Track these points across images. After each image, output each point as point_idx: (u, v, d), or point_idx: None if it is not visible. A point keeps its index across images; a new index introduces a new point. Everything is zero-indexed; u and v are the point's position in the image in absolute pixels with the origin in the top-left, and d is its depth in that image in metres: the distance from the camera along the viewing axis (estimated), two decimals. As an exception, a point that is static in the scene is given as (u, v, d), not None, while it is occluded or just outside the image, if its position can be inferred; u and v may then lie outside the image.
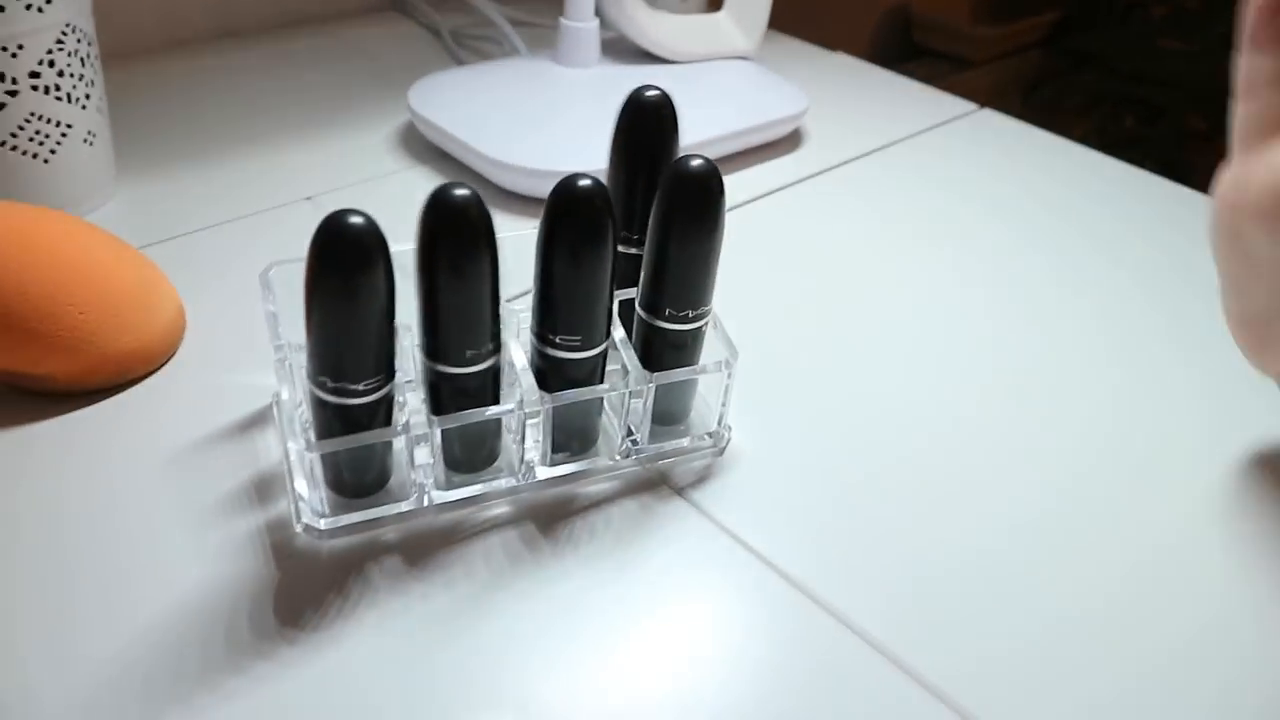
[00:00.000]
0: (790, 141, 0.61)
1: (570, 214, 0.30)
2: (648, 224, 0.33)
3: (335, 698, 0.28)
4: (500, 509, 0.34)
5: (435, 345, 0.31)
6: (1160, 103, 1.37)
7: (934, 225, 0.54)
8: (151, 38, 0.67)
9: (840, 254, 0.51)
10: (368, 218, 0.27)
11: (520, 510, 0.34)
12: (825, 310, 0.47)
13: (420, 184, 0.54)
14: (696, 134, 0.55)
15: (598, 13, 0.59)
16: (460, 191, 0.28)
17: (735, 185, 0.56)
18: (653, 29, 0.61)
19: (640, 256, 0.36)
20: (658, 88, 0.35)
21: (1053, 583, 0.33)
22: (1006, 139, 0.65)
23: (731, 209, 0.54)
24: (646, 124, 0.35)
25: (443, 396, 0.32)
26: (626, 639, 0.30)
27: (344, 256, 0.27)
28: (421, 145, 0.57)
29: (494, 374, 0.32)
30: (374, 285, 0.28)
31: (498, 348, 0.32)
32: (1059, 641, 0.31)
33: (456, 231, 0.29)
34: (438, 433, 0.32)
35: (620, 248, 0.36)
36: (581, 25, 0.59)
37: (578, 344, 0.32)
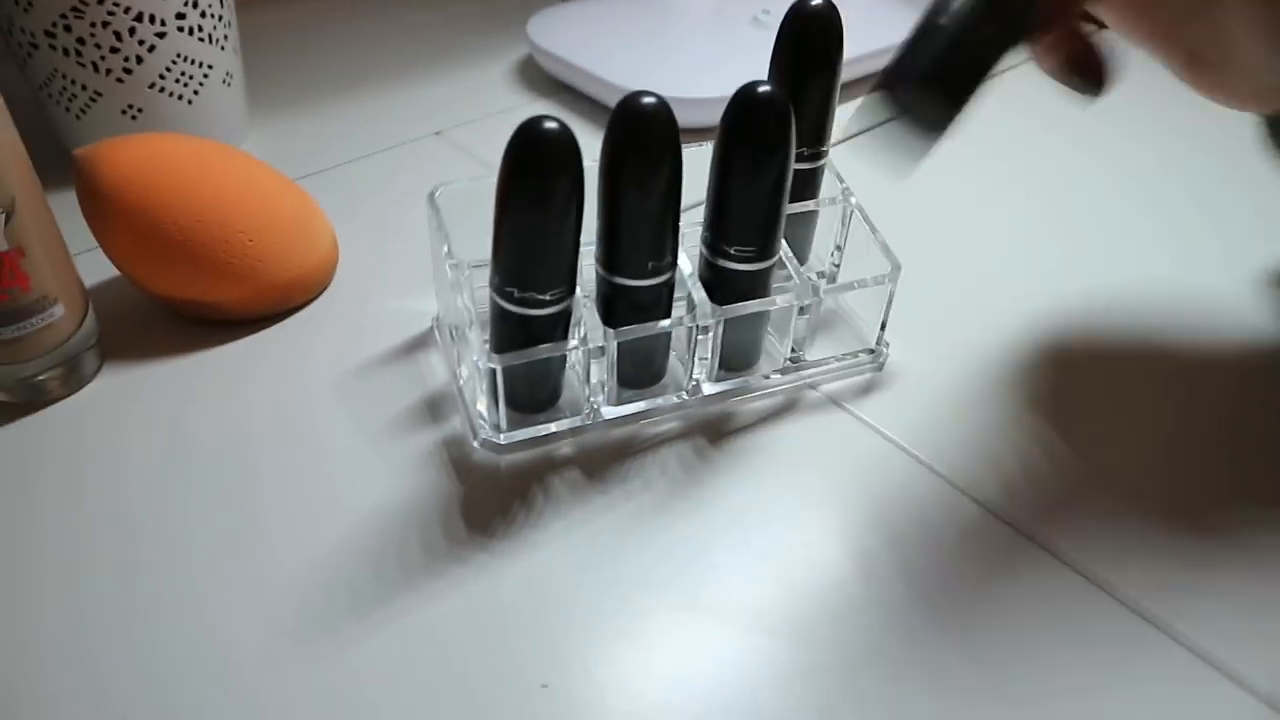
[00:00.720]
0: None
1: (751, 118, 0.29)
2: (818, 138, 0.33)
3: (527, 600, 0.28)
4: (669, 424, 0.35)
5: (616, 258, 0.31)
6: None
7: (1079, 134, 0.53)
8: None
9: (980, 164, 0.50)
10: (563, 124, 0.27)
11: (689, 425, 0.35)
12: (966, 222, 0.46)
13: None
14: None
15: (713, -62, 0.58)
16: (648, 100, 0.28)
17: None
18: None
19: (814, 170, 0.36)
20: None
21: (1224, 494, 0.32)
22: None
23: (861, 133, 0.53)
24: (811, 34, 0.34)
25: (618, 311, 0.32)
26: (793, 547, 0.30)
27: (542, 160, 0.27)
28: (541, 79, 0.57)
29: (669, 288, 0.32)
30: (570, 190, 0.28)
31: (674, 262, 0.32)
32: (1235, 547, 0.30)
33: (643, 142, 0.28)
34: (614, 346, 0.32)
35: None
36: (697, -47, 0.58)
37: (752, 254, 0.32)
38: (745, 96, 0.29)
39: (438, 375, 0.36)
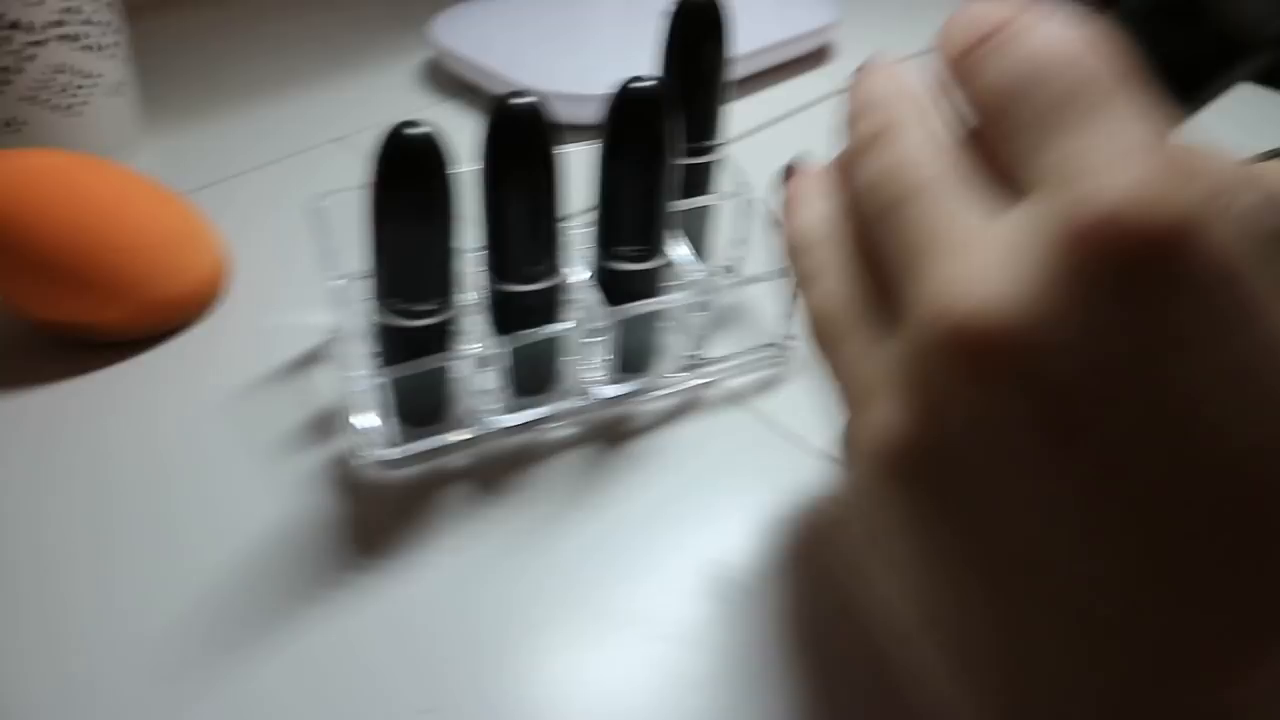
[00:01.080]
0: (820, 56, 0.60)
1: (631, 115, 0.29)
2: (709, 132, 0.32)
3: (420, 620, 0.28)
4: (567, 430, 0.34)
5: (501, 263, 0.30)
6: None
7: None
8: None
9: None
10: (429, 130, 0.26)
11: (588, 430, 0.34)
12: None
13: (449, 120, 0.53)
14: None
15: (618, -70, 0.58)
16: (521, 100, 0.27)
17: (762, 103, 0.55)
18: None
19: (707, 165, 0.35)
20: (704, -14, 0.33)
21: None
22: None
23: (760, 128, 0.53)
24: (698, 29, 0.33)
25: (508, 317, 0.31)
26: (693, 551, 0.30)
27: (407, 168, 0.26)
28: (446, 80, 0.56)
29: (558, 292, 0.32)
30: (436, 198, 0.27)
31: (559, 265, 0.31)
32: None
33: (514, 145, 0.28)
34: (505, 353, 0.31)
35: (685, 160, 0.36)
36: (603, -55, 0.57)
37: (641, 254, 0.31)
38: (621, 94, 0.29)
39: (329, 392, 0.35)
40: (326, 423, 0.34)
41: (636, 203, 0.30)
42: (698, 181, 0.36)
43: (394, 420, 0.32)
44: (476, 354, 0.31)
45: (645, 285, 0.32)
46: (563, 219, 0.30)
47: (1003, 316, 0.14)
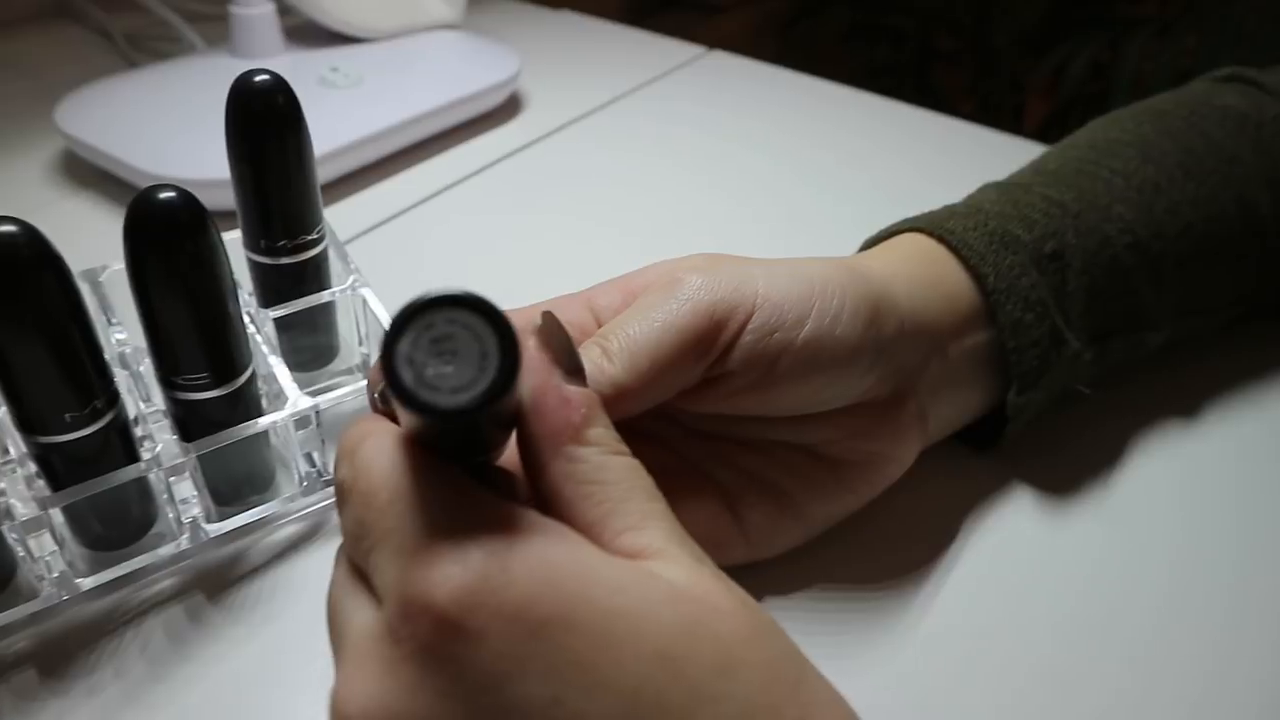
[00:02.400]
0: (508, 110, 0.58)
1: (151, 234, 0.25)
2: (303, 225, 0.29)
3: None
4: (165, 582, 0.29)
5: (24, 414, 0.26)
6: (906, 28, 1.41)
7: (668, 175, 0.52)
8: None
9: (566, 221, 0.48)
10: (18, 231, 0.22)
11: (189, 579, 0.29)
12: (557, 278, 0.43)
13: (82, 213, 0.47)
14: (396, 114, 0.50)
15: (273, -5, 0.54)
16: (6, 229, 0.23)
17: (452, 161, 0.53)
18: (337, 6, 0.55)
19: (291, 265, 0.32)
20: (268, 71, 0.30)
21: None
22: (738, 80, 0.63)
23: (450, 186, 0.50)
24: (260, 114, 0.30)
25: (58, 470, 0.27)
26: (300, 710, 0.26)
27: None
28: (84, 169, 0.50)
29: (117, 432, 0.27)
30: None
31: (112, 402, 0.27)
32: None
33: (8, 275, 0.23)
34: (55, 514, 0.27)
35: (260, 258, 0.32)
36: (254, 11, 0.53)
37: (206, 381, 0.27)
38: (136, 208, 0.25)
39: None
40: None
41: (181, 329, 0.26)
42: (300, 280, 0.33)
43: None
44: (13, 520, 0.26)
45: (228, 411, 0.28)
46: (96, 354, 0.26)
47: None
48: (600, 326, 0.27)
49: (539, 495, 0.21)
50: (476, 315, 0.18)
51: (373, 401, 0.24)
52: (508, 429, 0.21)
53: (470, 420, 0.18)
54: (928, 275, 0.31)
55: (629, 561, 0.20)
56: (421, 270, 0.44)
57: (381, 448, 0.21)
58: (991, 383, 0.32)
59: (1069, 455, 0.34)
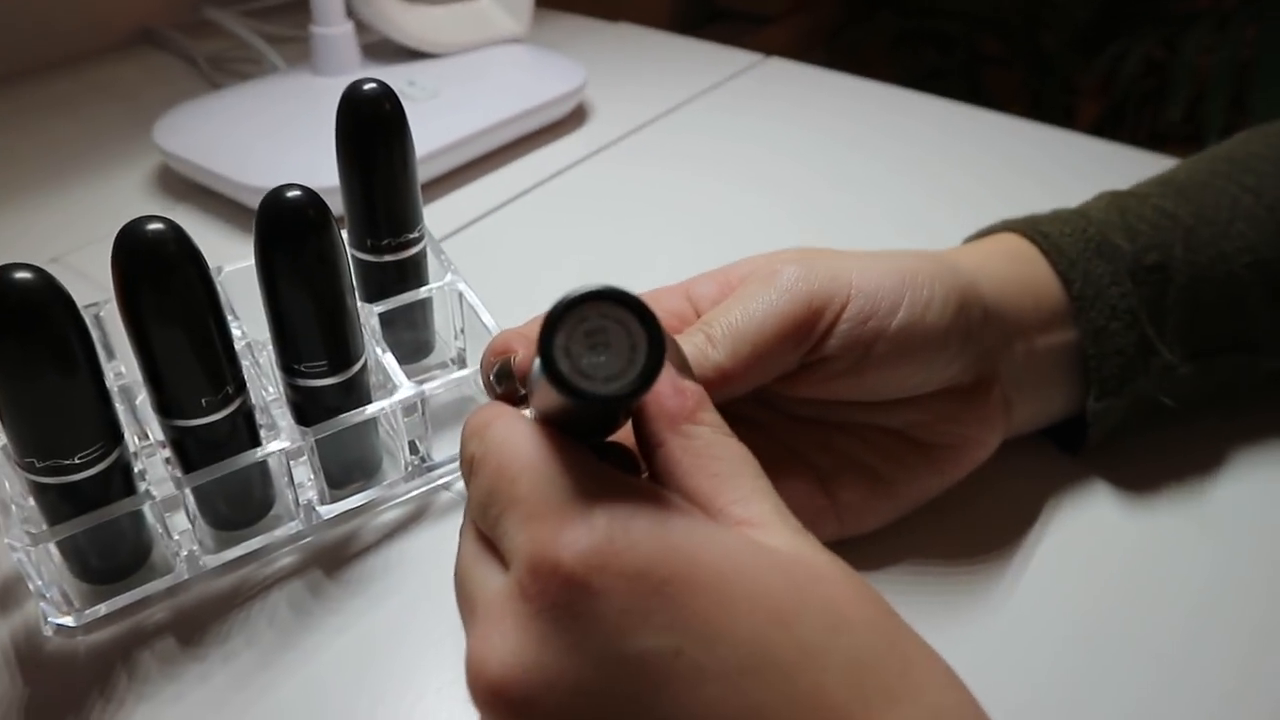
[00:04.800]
0: (575, 119, 0.60)
1: (281, 230, 0.27)
2: (406, 225, 0.31)
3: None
4: (284, 560, 0.31)
5: (164, 399, 0.28)
6: (954, 33, 1.41)
7: (731, 178, 0.53)
8: None
9: (636, 224, 0.50)
10: (39, 272, 0.24)
11: (307, 557, 0.31)
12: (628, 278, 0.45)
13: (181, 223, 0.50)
14: (472, 124, 0.52)
15: (352, 15, 0.56)
16: (152, 226, 0.25)
17: (524, 169, 0.55)
18: (411, 24, 0.58)
19: (394, 262, 0.34)
20: (376, 80, 0.32)
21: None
22: (795, 85, 0.65)
23: (524, 193, 0.52)
24: (367, 121, 0.32)
25: (190, 453, 0.29)
26: (418, 675, 0.28)
27: (14, 320, 0.24)
28: (180, 183, 0.53)
29: (244, 417, 0.29)
30: (59, 342, 0.24)
31: (240, 388, 0.29)
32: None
33: (151, 271, 0.25)
34: (188, 493, 0.29)
35: (366, 255, 0.34)
36: (334, 31, 0.55)
37: (324, 369, 0.29)
38: (268, 206, 0.27)
39: (7, 558, 0.32)
40: (7, 593, 0.30)
41: (305, 319, 0.28)
42: (402, 276, 0.34)
43: (75, 581, 0.29)
44: (152, 499, 0.28)
45: (341, 398, 0.30)
46: (228, 342, 0.28)
47: (505, 678, 0.20)
48: (699, 315, 0.28)
49: (653, 470, 0.23)
50: (626, 310, 0.19)
51: (488, 384, 0.26)
52: (629, 413, 0.23)
53: (618, 406, 0.19)
54: (1018, 274, 0.32)
55: (738, 530, 0.21)
56: (500, 272, 0.46)
57: (513, 426, 0.22)
58: (1073, 386, 0.32)
59: (1167, 457, 0.34)
